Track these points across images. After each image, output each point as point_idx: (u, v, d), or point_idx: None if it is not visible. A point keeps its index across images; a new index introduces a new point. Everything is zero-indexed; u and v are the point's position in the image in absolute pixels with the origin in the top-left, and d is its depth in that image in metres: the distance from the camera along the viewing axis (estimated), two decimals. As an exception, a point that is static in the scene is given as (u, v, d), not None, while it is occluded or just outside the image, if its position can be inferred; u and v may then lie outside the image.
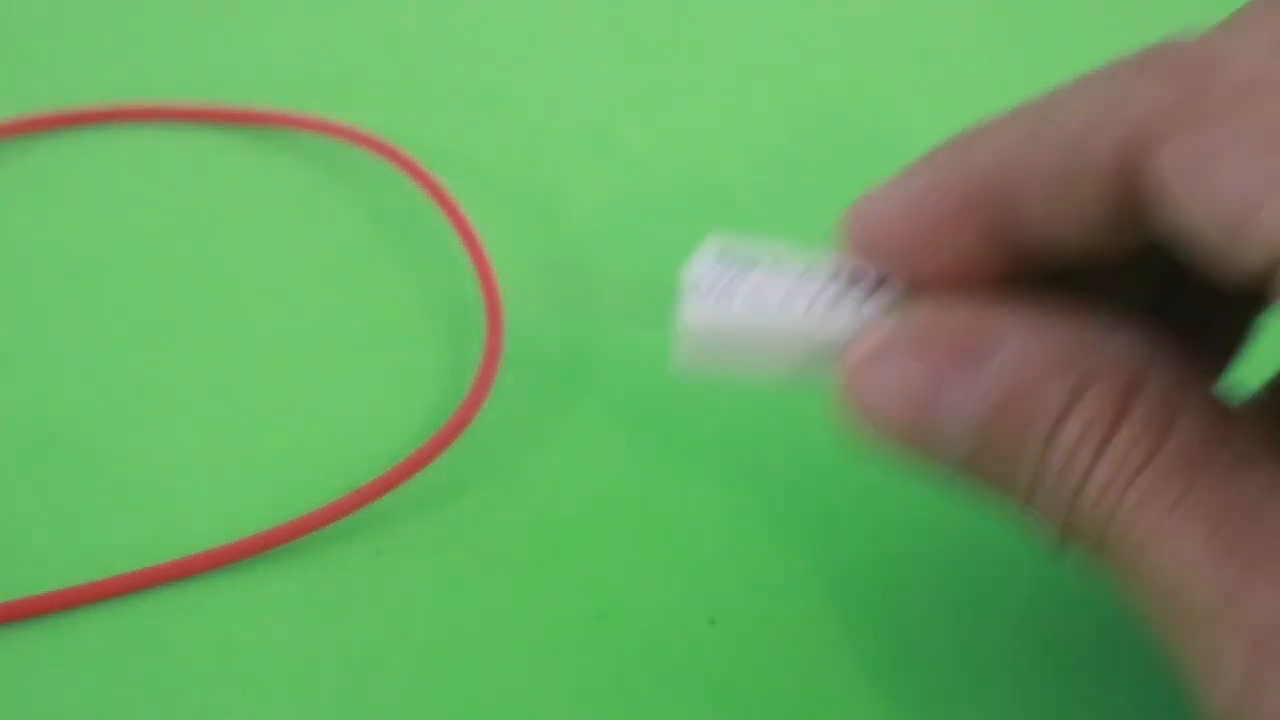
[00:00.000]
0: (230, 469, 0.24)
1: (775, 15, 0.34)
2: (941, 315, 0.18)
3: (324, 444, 0.25)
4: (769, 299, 0.19)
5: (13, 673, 0.21)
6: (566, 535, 0.23)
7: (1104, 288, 0.19)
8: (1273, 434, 0.17)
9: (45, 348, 0.26)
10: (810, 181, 0.30)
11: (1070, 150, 0.17)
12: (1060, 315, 0.18)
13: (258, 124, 0.31)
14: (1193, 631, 0.16)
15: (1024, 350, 0.17)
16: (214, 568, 0.22)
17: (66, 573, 0.22)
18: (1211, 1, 0.34)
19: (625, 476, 0.24)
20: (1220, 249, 0.15)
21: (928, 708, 0.21)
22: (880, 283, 0.19)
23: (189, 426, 0.25)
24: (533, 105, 0.32)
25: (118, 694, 0.21)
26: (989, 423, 0.17)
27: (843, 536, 0.23)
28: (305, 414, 0.25)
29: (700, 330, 0.19)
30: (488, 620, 0.22)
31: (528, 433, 0.25)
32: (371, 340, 0.27)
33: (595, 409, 0.25)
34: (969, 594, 0.22)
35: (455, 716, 0.21)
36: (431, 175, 0.29)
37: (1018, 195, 0.17)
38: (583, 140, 0.31)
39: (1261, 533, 0.16)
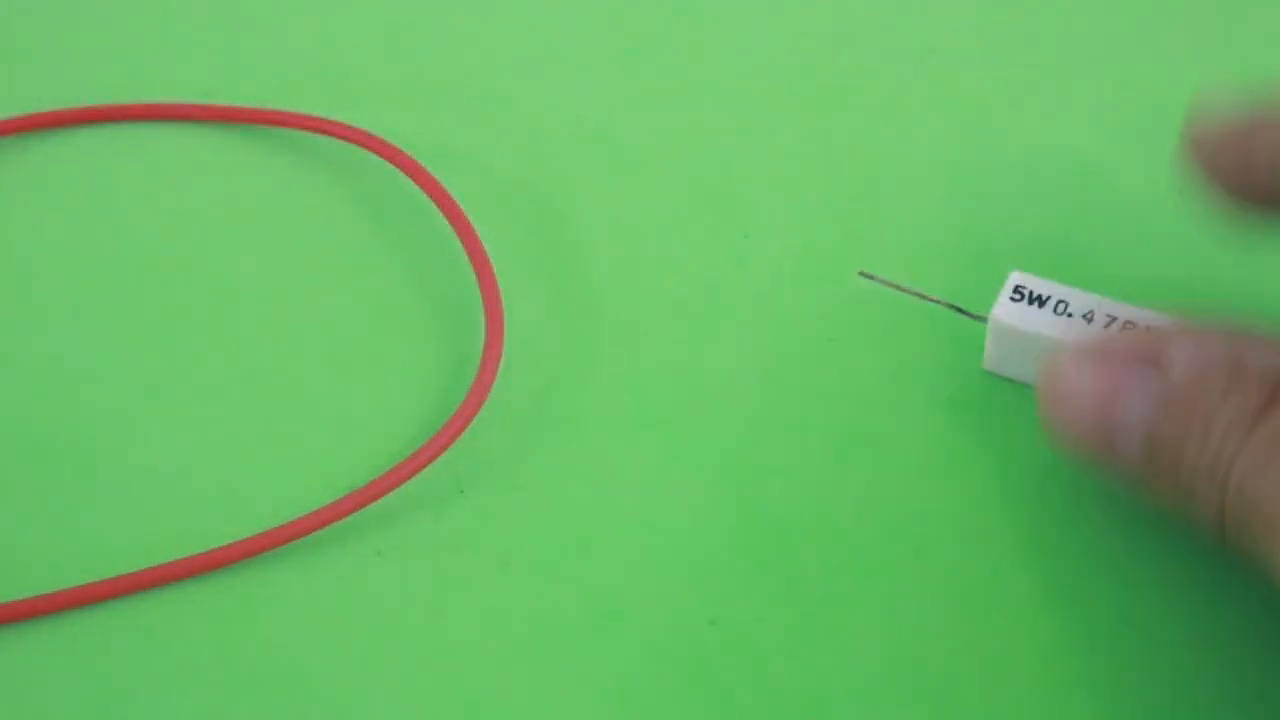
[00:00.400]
0: (230, 469, 0.24)
1: (775, 15, 0.34)
2: (1120, 335, 0.22)
3: (324, 444, 0.25)
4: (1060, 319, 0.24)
5: (13, 673, 0.21)
6: (566, 535, 0.23)
7: None
8: None
9: (45, 347, 0.26)
10: (811, 179, 0.30)
11: None
12: (1223, 333, 0.20)
13: (257, 123, 0.31)
14: None
15: (1187, 358, 0.20)
16: (214, 568, 0.22)
17: (66, 573, 0.22)
18: (1214, 3, 0.34)
19: (625, 476, 0.24)
20: None
21: (928, 707, 0.21)
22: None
23: (189, 426, 0.25)
24: (533, 105, 0.32)
25: (118, 694, 0.21)
26: (1157, 422, 0.20)
27: (843, 536, 0.23)
28: (305, 414, 0.25)
29: (1005, 324, 0.24)
30: (488, 620, 0.22)
31: (528, 433, 0.25)
32: (371, 340, 0.27)
33: (595, 409, 0.25)
34: (970, 593, 0.22)
35: (455, 716, 0.21)
36: (432, 175, 0.29)
37: None
38: (583, 140, 0.31)
39: None
